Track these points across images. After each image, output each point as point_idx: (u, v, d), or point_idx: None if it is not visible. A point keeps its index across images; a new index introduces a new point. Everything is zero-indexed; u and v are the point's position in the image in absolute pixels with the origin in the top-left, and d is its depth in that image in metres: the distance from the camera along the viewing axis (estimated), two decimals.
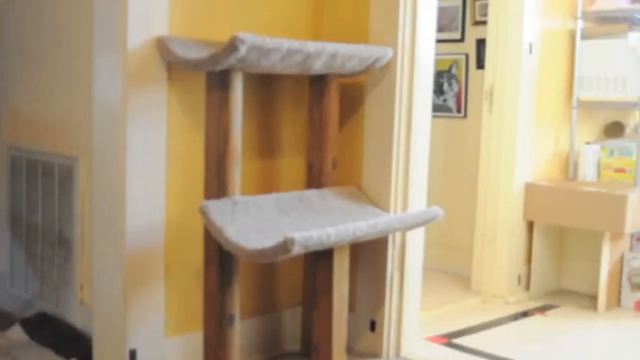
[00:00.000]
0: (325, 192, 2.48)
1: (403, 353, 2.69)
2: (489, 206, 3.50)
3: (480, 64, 3.93)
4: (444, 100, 4.14)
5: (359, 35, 2.61)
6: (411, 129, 2.59)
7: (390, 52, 2.49)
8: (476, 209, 3.59)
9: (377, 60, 2.47)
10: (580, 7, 3.56)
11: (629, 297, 3.45)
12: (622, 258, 3.47)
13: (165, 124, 2.25)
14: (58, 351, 2.57)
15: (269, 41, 2.07)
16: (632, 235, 3.50)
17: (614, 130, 3.83)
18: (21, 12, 2.96)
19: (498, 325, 3.17)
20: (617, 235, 3.39)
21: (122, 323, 2.20)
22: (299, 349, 2.66)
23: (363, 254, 2.67)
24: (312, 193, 2.45)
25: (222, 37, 2.10)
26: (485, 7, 3.71)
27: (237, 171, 2.24)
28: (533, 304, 3.48)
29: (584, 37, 3.60)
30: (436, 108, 3.92)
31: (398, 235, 2.62)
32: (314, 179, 2.55)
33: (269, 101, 2.56)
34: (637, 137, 3.57)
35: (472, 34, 4.01)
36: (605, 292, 3.37)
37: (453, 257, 4.04)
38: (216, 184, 2.21)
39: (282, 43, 2.11)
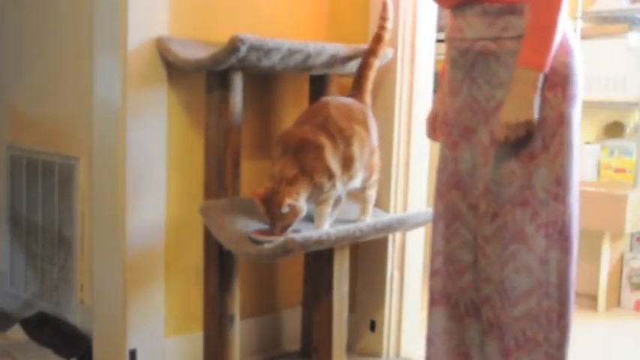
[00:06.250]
0: None
1: (403, 353, 2.69)
2: None
3: None
4: None
5: (359, 35, 2.61)
6: (411, 129, 2.59)
7: (390, 52, 2.49)
8: None
9: None
10: (580, 7, 3.56)
11: (629, 297, 3.45)
12: (622, 258, 3.47)
13: (165, 124, 2.25)
14: (58, 351, 2.57)
15: (269, 41, 2.07)
16: (632, 235, 3.50)
17: (614, 130, 3.83)
18: (21, 12, 2.96)
19: None
20: (617, 235, 3.38)
21: (122, 323, 2.20)
22: (299, 349, 2.66)
23: (363, 254, 2.67)
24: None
25: (223, 37, 2.09)
26: None
27: (237, 171, 2.24)
28: None
29: (583, 37, 3.60)
30: None
31: (398, 235, 2.62)
32: None
33: (269, 101, 2.56)
34: (637, 137, 3.57)
35: None
36: (605, 292, 3.37)
37: None
38: (216, 184, 2.21)
39: (282, 43, 2.11)
